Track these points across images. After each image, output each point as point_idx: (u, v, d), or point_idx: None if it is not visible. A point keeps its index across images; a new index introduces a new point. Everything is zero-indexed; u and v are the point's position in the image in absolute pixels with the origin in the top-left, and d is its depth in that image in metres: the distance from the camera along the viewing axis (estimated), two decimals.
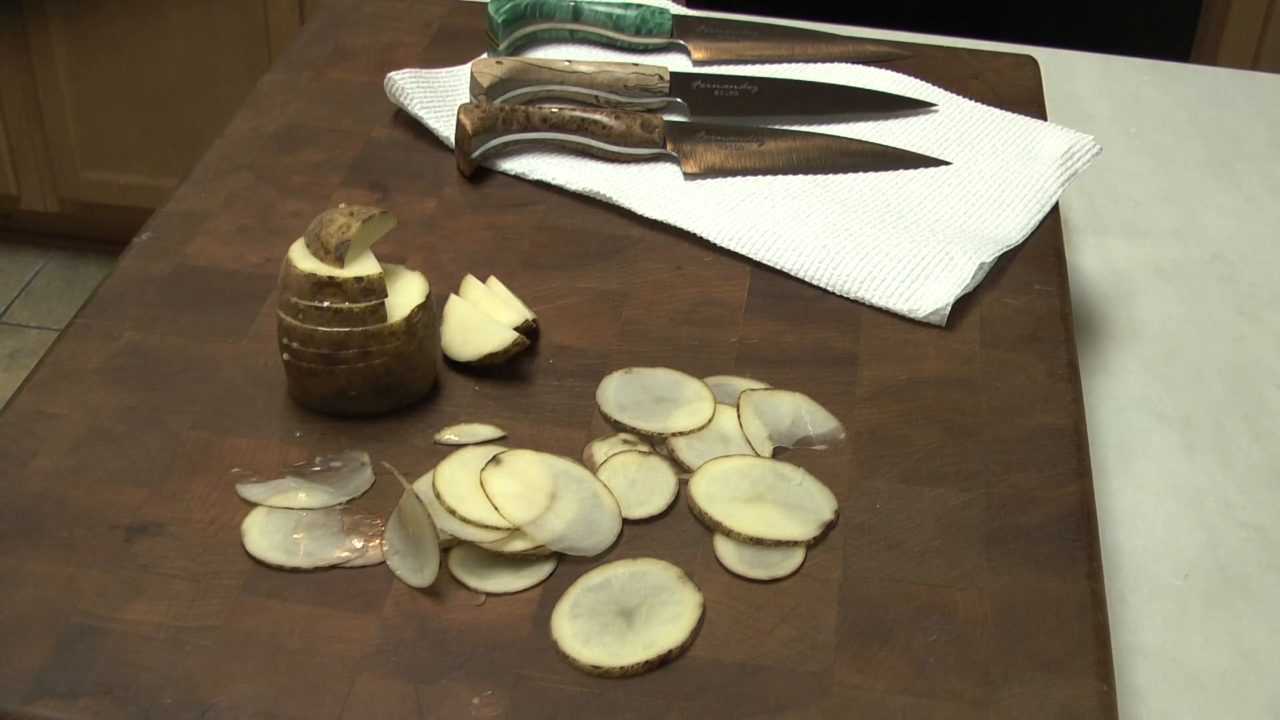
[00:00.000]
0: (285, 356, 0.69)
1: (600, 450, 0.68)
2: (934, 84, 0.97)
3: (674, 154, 0.89)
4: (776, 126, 0.92)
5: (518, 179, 0.88)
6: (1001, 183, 0.88)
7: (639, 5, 1.00)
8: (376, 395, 0.69)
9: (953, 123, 0.94)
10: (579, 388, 0.72)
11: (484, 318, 0.73)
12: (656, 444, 0.69)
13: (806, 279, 0.80)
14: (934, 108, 0.95)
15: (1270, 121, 1.09)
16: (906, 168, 0.90)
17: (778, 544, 0.63)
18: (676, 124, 0.90)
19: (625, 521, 0.64)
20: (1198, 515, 0.75)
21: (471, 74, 0.91)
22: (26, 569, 0.61)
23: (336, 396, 0.69)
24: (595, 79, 0.92)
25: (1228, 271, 0.93)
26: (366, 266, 0.67)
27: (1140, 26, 2.16)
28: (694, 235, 0.83)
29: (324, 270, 0.67)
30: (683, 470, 0.67)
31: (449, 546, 0.63)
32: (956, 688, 0.58)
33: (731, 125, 0.91)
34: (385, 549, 0.63)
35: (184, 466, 0.67)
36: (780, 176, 0.88)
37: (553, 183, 0.87)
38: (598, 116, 0.88)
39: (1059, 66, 1.12)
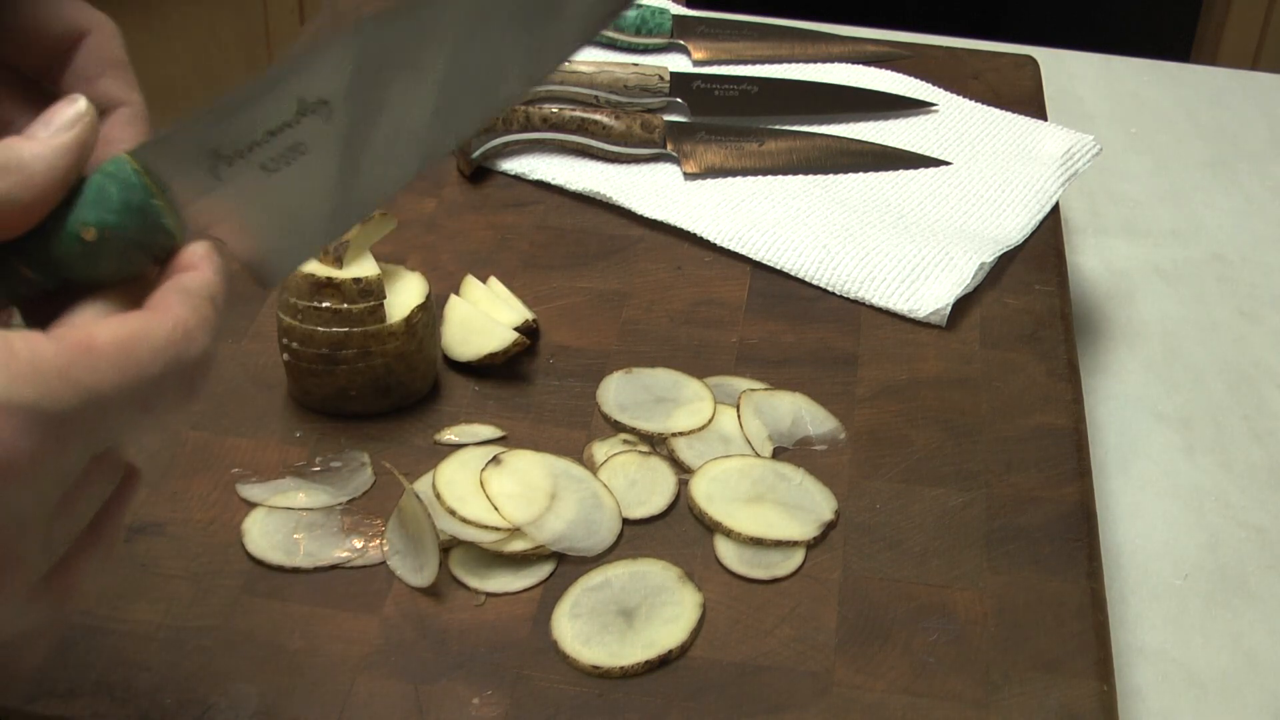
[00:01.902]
0: (285, 357, 0.69)
1: (600, 450, 0.68)
2: (934, 84, 0.97)
3: (674, 154, 0.89)
4: (776, 126, 0.92)
5: (518, 179, 0.88)
6: (1001, 183, 0.88)
7: (639, 5, 1.00)
8: (376, 395, 0.69)
9: (953, 123, 0.94)
10: (579, 388, 0.72)
11: (484, 318, 0.73)
12: (656, 444, 0.69)
13: (806, 279, 0.80)
14: (934, 108, 0.95)
15: (1270, 121, 1.09)
16: (906, 168, 0.90)
17: (778, 544, 0.63)
18: (676, 124, 0.90)
19: (625, 521, 0.64)
20: (1198, 515, 0.75)
21: None
22: None
23: (336, 396, 0.69)
24: (595, 79, 0.92)
25: (1228, 271, 0.93)
26: (365, 268, 0.67)
27: (1140, 26, 2.16)
28: (694, 235, 0.83)
29: (322, 271, 0.67)
30: (683, 470, 0.67)
31: (449, 546, 0.63)
32: (956, 688, 0.58)
33: (731, 125, 0.91)
34: (385, 549, 0.63)
35: (184, 466, 0.67)
36: (780, 176, 0.88)
37: (553, 183, 0.87)
38: (598, 116, 0.88)
39: (1059, 66, 1.12)
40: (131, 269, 0.43)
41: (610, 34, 0.99)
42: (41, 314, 0.44)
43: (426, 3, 0.44)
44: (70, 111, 0.42)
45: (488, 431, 0.69)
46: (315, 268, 0.67)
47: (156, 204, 0.43)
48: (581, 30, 0.46)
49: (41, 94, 0.46)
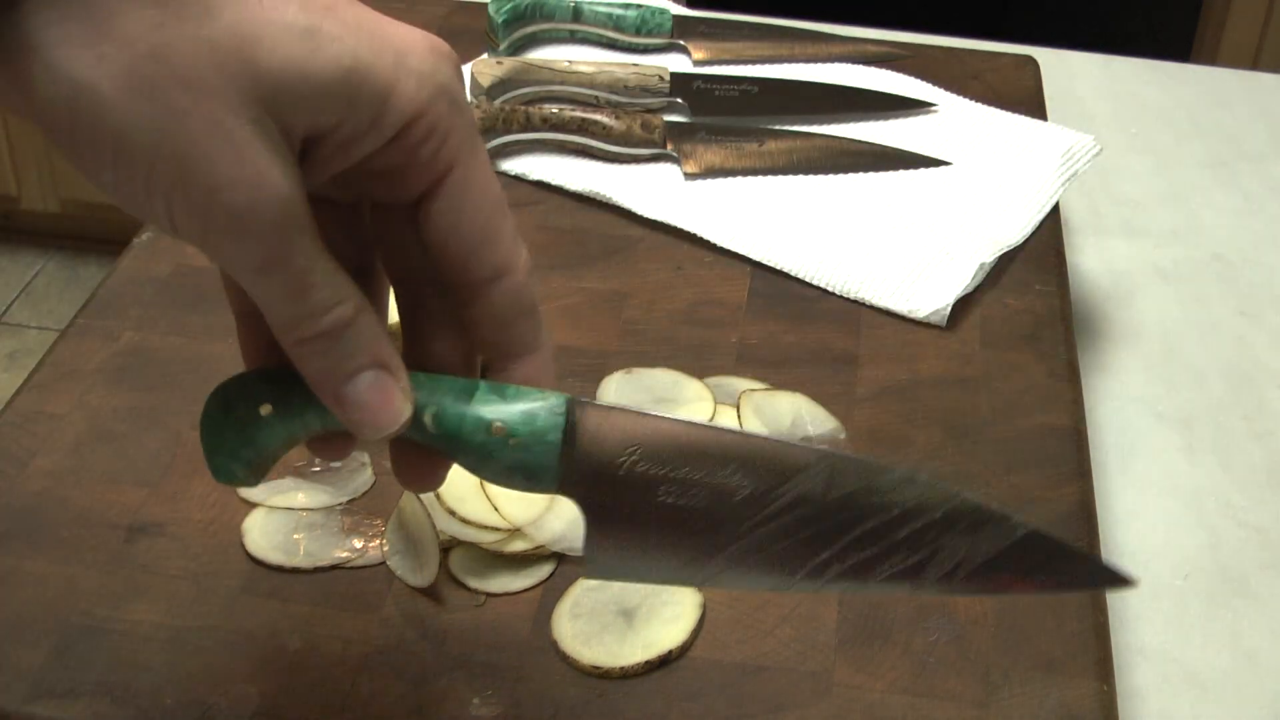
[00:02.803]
0: None
1: None
2: (934, 84, 0.97)
3: (674, 154, 0.89)
4: (776, 126, 0.92)
5: (518, 179, 0.88)
6: (1001, 183, 0.88)
7: (639, 5, 1.00)
8: None
9: (953, 123, 0.94)
10: (579, 388, 0.72)
11: None
12: None
13: (806, 279, 0.80)
14: (934, 108, 0.95)
15: (1270, 121, 1.09)
16: (906, 168, 0.90)
17: None
18: (676, 124, 0.90)
19: None
20: (1198, 515, 0.75)
21: (471, 74, 0.91)
22: (26, 569, 0.61)
23: None
24: (595, 79, 0.92)
25: (1228, 271, 0.93)
26: None
27: (1140, 26, 2.16)
28: (694, 235, 0.83)
29: None
30: None
31: (449, 546, 0.63)
32: (956, 688, 0.58)
33: (731, 125, 0.91)
34: (385, 549, 0.63)
35: (184, 466, 0.67)
36: (780, 176, 0.88)
37: (553, 183, 0.87)
38: (598, 117, 0.88)
39: (1059, 66, 1.12)
40: (496, 480, 0.46)
41: (610, 34, 0.99)
42: (411, 468, 0.48)
43: (882, 478, 0.46)
44: None
45: None
46: None
47: (560, 451, 0.46)
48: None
49: (449, 314, 0.48)
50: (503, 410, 0.46)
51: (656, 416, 0.46)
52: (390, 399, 0.44)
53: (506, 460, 0.46)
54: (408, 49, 0.42)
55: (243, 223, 0.40)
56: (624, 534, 0.47)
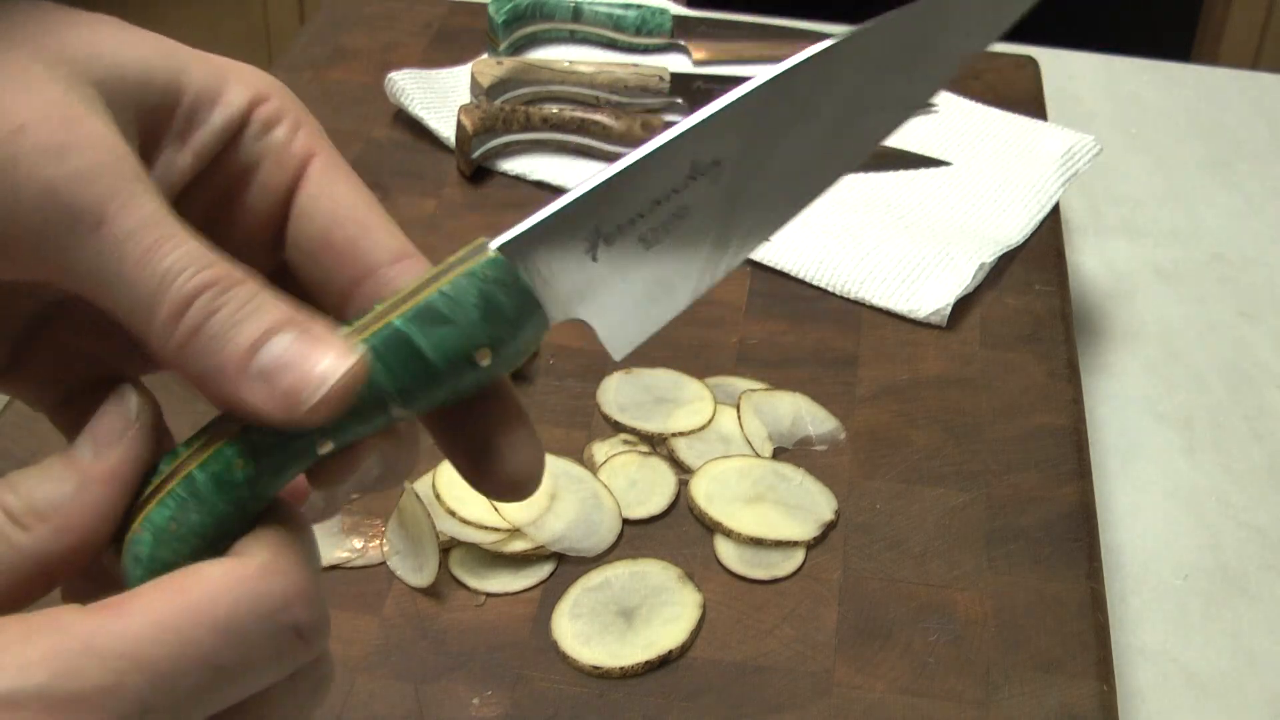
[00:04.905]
0: None
1: (600, 450, 0.68)
2: None
3: None
4: None
5: (518, 179, 0.88)
6: (1001, 183, 0.88)
7: (639, 5, 1.00)
8: None
9: (953, 123, 0.94)
10: (579, 388, 0.72)
11: None
12: (656, 444, 0.69)
13: (806, 279, 0.80)
14: (934, 108, 0.95)
15: (1270, 121, 1.09)
16: (906, 168, 0.89)
17: (778, 544, 0.63)
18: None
19: (625, 522, 0.64)
20: (1198, 515, 0.75)
21: (471, 74, 0.91)
22: None
23: None
24: (595, 79, 0.92)
25: (1228, 272, 0.93)
26: None
27: (1140, 26, 2.15)
28: None
29: None
30: (683, 470, 0.67)
31: (449, 547, 0.63)
32: (956, 688, 0.58)
33: None
34: (385, 549, 0.63)
35: None
36: None
37: (553, 183, 0.87)
38: (598, 117, 0.88)
39: (1059, 66, 1.12)
40: (520, 349, 0.37)
41: (610, 34, 0.99)
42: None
43: (828, 54, 0.40)
44: (116, 420, 0.36)
45: None
46: None
47: (541, 304, 0.36)
48: (948, 68, 0.44)
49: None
50: (469, 333, 0.35)
51: (571, 192, 0.40)
52: (327, 344, 0.33)
53: (505, 368, 0.36)
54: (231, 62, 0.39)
55: (60, 161, 0.32)
56: (640, 294, 0.41)
